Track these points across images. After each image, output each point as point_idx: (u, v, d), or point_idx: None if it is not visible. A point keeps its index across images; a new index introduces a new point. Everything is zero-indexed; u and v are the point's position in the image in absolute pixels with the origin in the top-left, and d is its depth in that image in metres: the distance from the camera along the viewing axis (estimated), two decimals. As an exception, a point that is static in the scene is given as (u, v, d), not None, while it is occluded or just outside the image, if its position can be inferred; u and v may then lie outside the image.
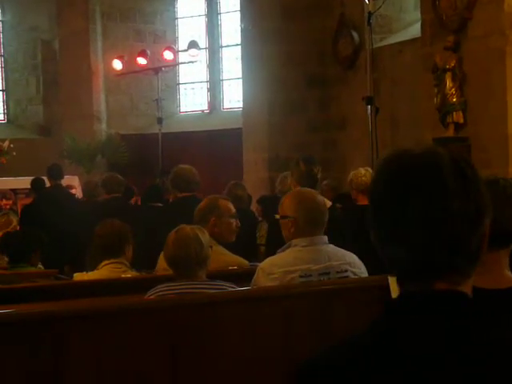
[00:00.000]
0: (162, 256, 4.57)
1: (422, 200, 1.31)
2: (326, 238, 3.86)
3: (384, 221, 1.36)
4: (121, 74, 15.19)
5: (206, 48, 16.07)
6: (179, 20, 16.43)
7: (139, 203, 9.54)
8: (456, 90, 8.90)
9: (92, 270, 4.66)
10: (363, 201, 5.71)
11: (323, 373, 1.31)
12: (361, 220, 4.74)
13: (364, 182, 5.68)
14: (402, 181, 1.34)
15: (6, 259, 5.98)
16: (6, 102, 16.74)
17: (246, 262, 4.80)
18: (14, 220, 7.36)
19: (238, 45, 14.45)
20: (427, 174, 1.32)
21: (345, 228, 5.16)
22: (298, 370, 1.35)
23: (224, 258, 4.65)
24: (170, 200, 7.35)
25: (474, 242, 1.34)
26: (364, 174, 5.78)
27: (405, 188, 1.33)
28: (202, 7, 16.37)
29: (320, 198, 4.00)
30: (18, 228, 7.17)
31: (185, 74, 16.48)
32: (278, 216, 4.00)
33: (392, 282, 3.18)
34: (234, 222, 4.91)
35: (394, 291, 1.46)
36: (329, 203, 4.95)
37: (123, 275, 4.55)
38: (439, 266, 1.32)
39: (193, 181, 6.40)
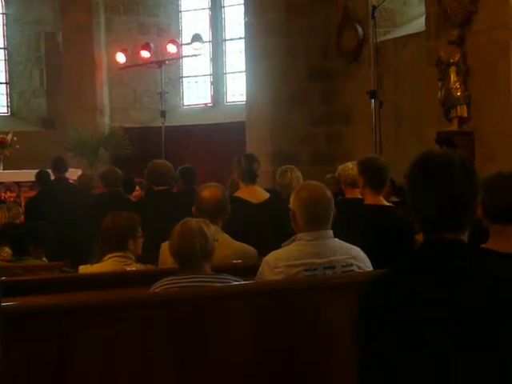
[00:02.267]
0: (164, 251, 4.56)
1: (437, 183, 2.12)
2: (331, 232, 3.84)
3: (415, 194, 2.17)
4: (124, 67, 15.17)
5: (209, 41, 16.05)
6: (183, 13, 16.41)
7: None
8: (460, 84, 8.87)
9: (97, 262, 4.66)
10: (351, 194, 5.66)
11: (375, 290, 2.18)
12: (349, 213, 4.73)
13: (351, 175, 5.62)
14: (425, 171, 2.16)
15: (10, 252, 5.98)
16: (10, 95, 16.74)
17: (252, 249, 4.80)
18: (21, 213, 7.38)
19: (241, 38, 14.42)
20: (442, 167, 2.14)
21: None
22: (363, 291, 2.20)
23: (233, 245, 4.68)
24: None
25: (469, 210, 2.14)
26: (351, 167, 5.70)
27: (427, 175, 2.15)
28: (205, 0, 16.35)
29: (323, 192, 3.93)
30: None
31: (188, 67, 16.47)
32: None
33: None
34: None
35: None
36: None
37: (128, 268, 4.55)
38: (447, 224, 2.12)
39: (167, 175, 6.56)
